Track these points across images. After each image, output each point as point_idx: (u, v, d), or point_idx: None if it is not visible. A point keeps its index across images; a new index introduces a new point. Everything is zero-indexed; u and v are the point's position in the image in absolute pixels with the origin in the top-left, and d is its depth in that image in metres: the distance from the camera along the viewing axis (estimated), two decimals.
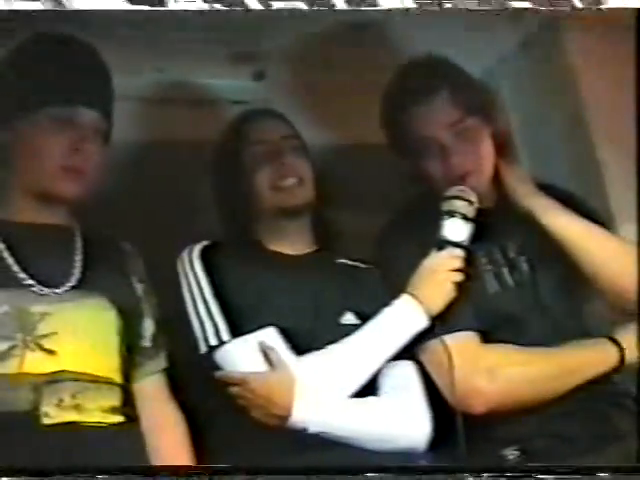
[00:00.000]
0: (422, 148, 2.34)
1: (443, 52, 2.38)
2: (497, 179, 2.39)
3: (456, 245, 2.26)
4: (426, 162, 2.34)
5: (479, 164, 2.34)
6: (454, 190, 2.30)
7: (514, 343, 2.24)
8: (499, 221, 2.35)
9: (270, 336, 2.16)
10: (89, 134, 2.14)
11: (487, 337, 2.25)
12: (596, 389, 2.24)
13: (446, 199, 2.30)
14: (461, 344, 2.21)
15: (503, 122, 2.47)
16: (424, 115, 2.33)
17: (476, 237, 2.28)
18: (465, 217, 2.27)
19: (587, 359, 2.24)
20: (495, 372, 2.19)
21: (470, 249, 2.28)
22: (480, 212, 2.30)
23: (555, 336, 2.26)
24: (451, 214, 2.27)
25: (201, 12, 2.12)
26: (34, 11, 2.08)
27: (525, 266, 2.34)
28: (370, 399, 2.17)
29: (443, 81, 2.33)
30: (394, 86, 2.41)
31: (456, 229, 2.26)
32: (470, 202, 2.29)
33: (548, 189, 2.39)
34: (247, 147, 2.36)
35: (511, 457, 2.18)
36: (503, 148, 2.39)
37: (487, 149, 2.35)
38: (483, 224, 2.30)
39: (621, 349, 2.25)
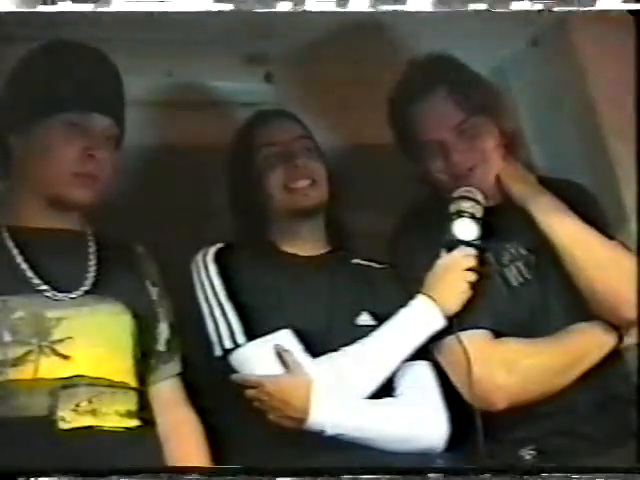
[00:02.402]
0: (425, 149, 2.34)
1: (453, 51, 2.38)
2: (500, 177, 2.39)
3: (467, 244, 2.26)
4: (431, 163, 2.35)
5: (483, 160, 2.34)
6: (461, 191, 2.30)
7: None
8: (506, 219, 2.35)
9: (285, 338, 2.16)
10: (102, 140, 2.14)
11: (498, 335, 2.25)
12: (613, 388, 2.24)
13: (453, 200, 2.30)
14: (476, 341, 2.21)
15: (507, 120, 2.46)
16: (425, 116, 2.34)
17: (484, 236, 2.28)
18: (473, 217, 2.27)
19: (590, 343, 2.25)
20: (513, 365, 2.20)
21: (481, 248, 2.28)
22: (488, 210, 2.31)
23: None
24: (459, 215, 2.27)
25: (210, 14, 2.11)
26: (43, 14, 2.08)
27: (533, 263, 2.33)
28: (387, 400, 2.17)
29: (442, 79, 2.33)
30: (396, 87, 2.41)
31: (466, 229, 2.26)
32: (477, 202, 2.29)
33: (559, 183, 2.39)
34: (259, 149, 2.35)
35: (528, 457, 2.19)
36: (506, 146, 2.39)
37: (491, 145, 2.35)
38: (491, 222, 2.30)
39: (617, 329, 2.26)
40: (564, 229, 2.28)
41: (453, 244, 2.26)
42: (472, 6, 2.11)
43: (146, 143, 2.65)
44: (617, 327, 2.27)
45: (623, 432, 2.18)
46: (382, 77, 2.45)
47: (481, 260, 2.28)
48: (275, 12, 2.10)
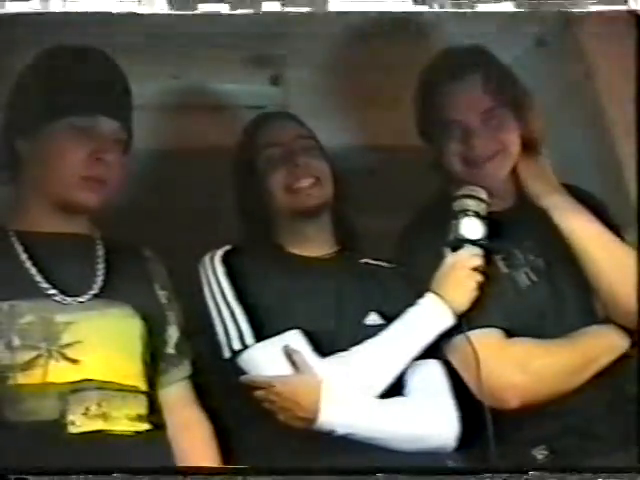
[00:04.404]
0: (448, 130, 2.33)
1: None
2: (517, 177, 2.39)
3: (473, 243, 2.26)
4: (450, 145, 2.33)
5: (502, 152, 2.33)
6: (465, 189, 2.30)
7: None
8: (517, 222, 2.35)
9: (294, 339, 2.16)
10: (110, 144, 2.14)
11: (509, 335, 2.25)
12: (625, 388, 2.23)
13: (457, 198, 2.29)
14: (488, 340, 2.21)
15: (533, 119, 2.46)
16: (454, 97, 2.33)
17: (496, 236, 2.28)
18: (478, 215, 2.27)
19: (602, 346, 2.25)
20: (526, 364, 2.19)
21: (488, 247, 2.28)
22: (501, 212, 2.32)
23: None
24: (464, 213, 2.27)
25: (216, 16, 2.12)
26: (46, 15, 2.08)
27: (543, 266, 2.33)
28: (397, 399, 2.17)
29: (478, 66, 2.33)
30: (429, 67, 2.40)
31: (471, 227, 2.26)
32: (481, 200, 2.28)
33: (569, 191, 2.39)
34: (261, 150, 2.35)
35: (540, 456, 2.18)
36: (527, 144, 2.39)
37: (512, 139, 2.35)
38: (501, 225, 2.30)
39: (630, 333, 2.25)
40: (584, 230, 2.28)
41: (457, 243, 2.26)
42: (479, 7, 2.11)
43: (153, 146, 2.66)
44: (631, 331, 2.26)
45: (635, 432, 2.16)
46: (388, 78, 2.45)
47: (488, 260, 2.28)
48: (281, 14, 2.10)
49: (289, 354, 2.14)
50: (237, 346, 2.16)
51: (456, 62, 2.36)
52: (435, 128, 2.36)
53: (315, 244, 2.36)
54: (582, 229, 2.29)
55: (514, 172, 2.38)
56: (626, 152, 2.59)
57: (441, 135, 2.35)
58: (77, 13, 2.08)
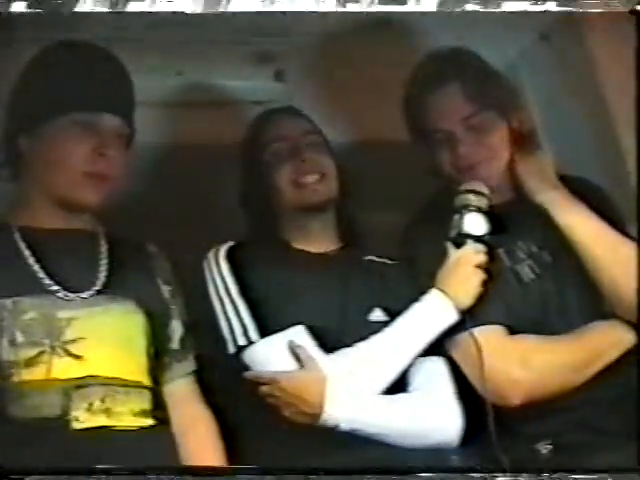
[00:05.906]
0: (434, 139, 2.33)
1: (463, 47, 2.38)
2: (514, 173, 2.38)
3: (476, 238, 2.25)
4: (439, 154, 2.34)
5: (490, 156, 2.33)
6: (466, 185, 2.29)
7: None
8: (518, 215, 2.34)
9: (299, 334, 2.16)
10: (112, 139, 2.14)
11: (512, 331, 2.24)
12: (631, 383, 2.22)
13: (458, 194, 2.29)
14: (490, 337, 2.20)
15: (522, 115, 2.45)
16: (436, 106, 2.33)
17: (497, 231, 2.28)
18: (479, 210, 2.26)
19: (608, 342, 2.24)
20: (528, 361, 2.18)
21: (489, 242, 2.27)
22: (499, 206, 2.30)
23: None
24: (466, 208, 2.26)
25: (220, 13, 2.11)
26: (48, 12, 2.07)
27: (546, 260, 2.32)
28: (401, 395, 2.17)
29: (457, 72, 2.33)
30: (411, 77, 2.40)
31: (474, 222, 2.26)
32: (483, 195, 2.28)
33: (573, 181, 2.38)
34: (268, 145, 2.36)
35: (544, 451, 2.18)
36: (520, 142, 2.38)
37: (500, 141, 2.34)
38: (502, 218, 2.29)
39: (636, 328, 2.24)
40: (583, 227, 2.27)
41: (460, 238, 2.25)
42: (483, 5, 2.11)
43: (157, 142, 2.66)
44: (636, 326, 2.25)
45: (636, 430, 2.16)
46: (392, 74, 2.44)
47: (492, 255, 2.27)
48: (285, 10, 2.10)
49: (293, 350, 2.14)
50: (242, 342, 2.16)
51: (435, 70, 2.36)
52: (423, 138, 2.37)
53: (320, 240, 2.36)
54: (579, 225, 2.28)
55: (512, 167, 2.37)
56: (630, 145, 2.58)
57: (429, 145, 2.35)
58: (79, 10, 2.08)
